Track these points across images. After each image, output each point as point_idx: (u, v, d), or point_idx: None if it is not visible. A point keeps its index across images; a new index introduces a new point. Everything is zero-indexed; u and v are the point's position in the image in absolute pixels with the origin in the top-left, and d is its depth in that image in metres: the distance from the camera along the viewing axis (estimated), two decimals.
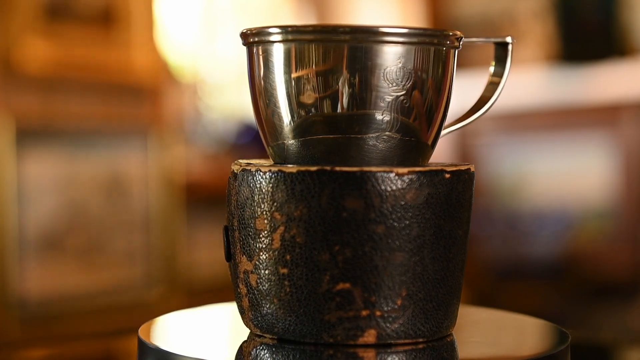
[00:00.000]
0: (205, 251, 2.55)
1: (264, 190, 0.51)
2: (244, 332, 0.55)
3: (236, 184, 0.53)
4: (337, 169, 0.50)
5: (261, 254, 0.52)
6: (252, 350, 0.52)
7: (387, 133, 0.52)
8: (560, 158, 2.84)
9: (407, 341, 0.52)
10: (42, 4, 2.09)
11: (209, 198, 2.51)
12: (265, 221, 0.51)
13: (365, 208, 0.50)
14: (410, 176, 0.51)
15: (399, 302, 0.51)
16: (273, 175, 0.51)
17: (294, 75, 0.52)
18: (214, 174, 2.56)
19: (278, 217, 0.51)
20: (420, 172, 0.51)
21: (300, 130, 0.53)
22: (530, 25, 2.96)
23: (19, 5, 2.04)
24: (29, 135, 2.07)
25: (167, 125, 2.41)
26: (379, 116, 0.52)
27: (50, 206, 2.11)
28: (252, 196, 0.52)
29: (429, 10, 3.18)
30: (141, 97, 2.35)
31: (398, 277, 0.51)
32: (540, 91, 2.88)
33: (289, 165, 0.52)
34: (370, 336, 0.51)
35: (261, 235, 0.51)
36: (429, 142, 0.54)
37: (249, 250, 0.52)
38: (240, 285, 0.53)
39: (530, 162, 2.91)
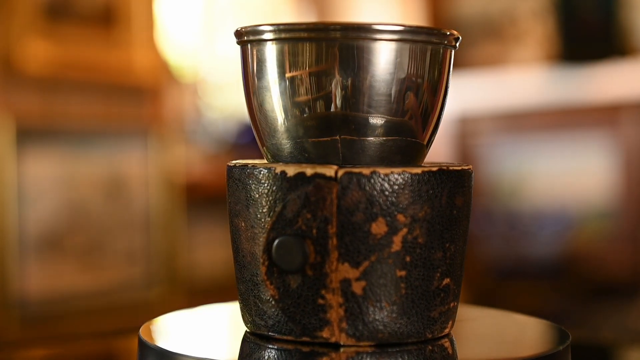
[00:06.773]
0: (205, 251, 2.55)
1: (385, 192, 0.50)
2: (243, 332, 0.55)
3: (338, 187, 0.50)
4: (452, 168, 0.52)
5: (375, 258, 0.50)
6: None
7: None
8: (560, 158, 2.84)
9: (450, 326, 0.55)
10: (42, 4, 2.09)
11: (209, 198, 2.51)
12: (385, 224, 0.50)
13: (466, 205, 0.53)
14: (473, 174, 0.54)
15: (459, 291, 0.54)
16: (399, 177, 0.50)
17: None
18: (214, 174, 2.56)
19: (402, 219, 0.50)
20: (471, 169, 0.55)
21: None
22: (530, 25, 2.96)
23: (19, 5, 2.04)
24: (29, 135, 2.07)
25: (167, 125, 2.41)
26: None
27: (50, 206, 2.11)
28: (366, 199, 0.50)
29: (429, 9, 3.18)
30: (141, 97, 2.35)
31: (462, 267, 0.54)
32: (540, 91, 2.88)
33: (413, 167, 0.51)
34: (450, 327, 0.53)
35: (377, 239, 0.50)
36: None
37: (357, 256, 0.50)
38: (330, 296, 0.50)
39: (530, 162, 2.91)
